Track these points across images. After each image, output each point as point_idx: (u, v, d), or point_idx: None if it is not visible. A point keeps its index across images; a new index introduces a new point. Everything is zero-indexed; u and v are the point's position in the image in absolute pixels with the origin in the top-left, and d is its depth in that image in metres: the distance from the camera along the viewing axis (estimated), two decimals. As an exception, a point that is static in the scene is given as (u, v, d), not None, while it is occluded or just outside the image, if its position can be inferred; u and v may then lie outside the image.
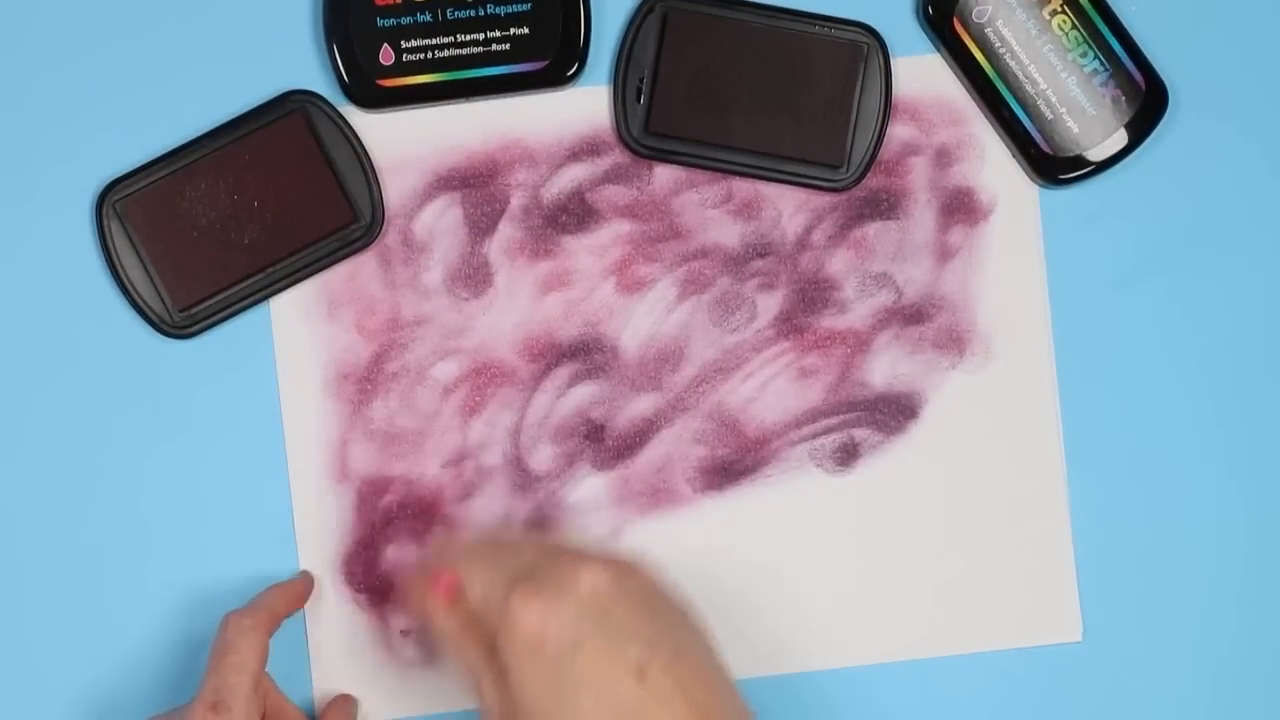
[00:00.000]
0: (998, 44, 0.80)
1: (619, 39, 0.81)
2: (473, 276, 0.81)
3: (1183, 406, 0.81)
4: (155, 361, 0.80)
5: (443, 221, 0.81)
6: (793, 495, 0.81)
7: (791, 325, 0.81)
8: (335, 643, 0.80)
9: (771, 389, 0.81)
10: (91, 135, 0.80)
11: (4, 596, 0.80)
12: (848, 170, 0.80)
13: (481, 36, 0.80)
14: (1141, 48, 0.80)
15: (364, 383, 0.81)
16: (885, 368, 0.81)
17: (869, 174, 0.81)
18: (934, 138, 0.81)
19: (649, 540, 0.81)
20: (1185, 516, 0.81)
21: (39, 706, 0.80)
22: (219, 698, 0.71)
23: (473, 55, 0.80)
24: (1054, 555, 0.81)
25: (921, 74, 0.81)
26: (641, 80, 0.80)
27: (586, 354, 0.81)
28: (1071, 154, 0.80)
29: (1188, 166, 0.81)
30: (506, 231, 0.81)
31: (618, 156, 0.81)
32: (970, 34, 0.80)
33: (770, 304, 0.81)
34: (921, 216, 0.81)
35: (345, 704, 0.79)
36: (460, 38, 0.80)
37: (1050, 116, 0.80)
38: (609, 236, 0.81)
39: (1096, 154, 0.80)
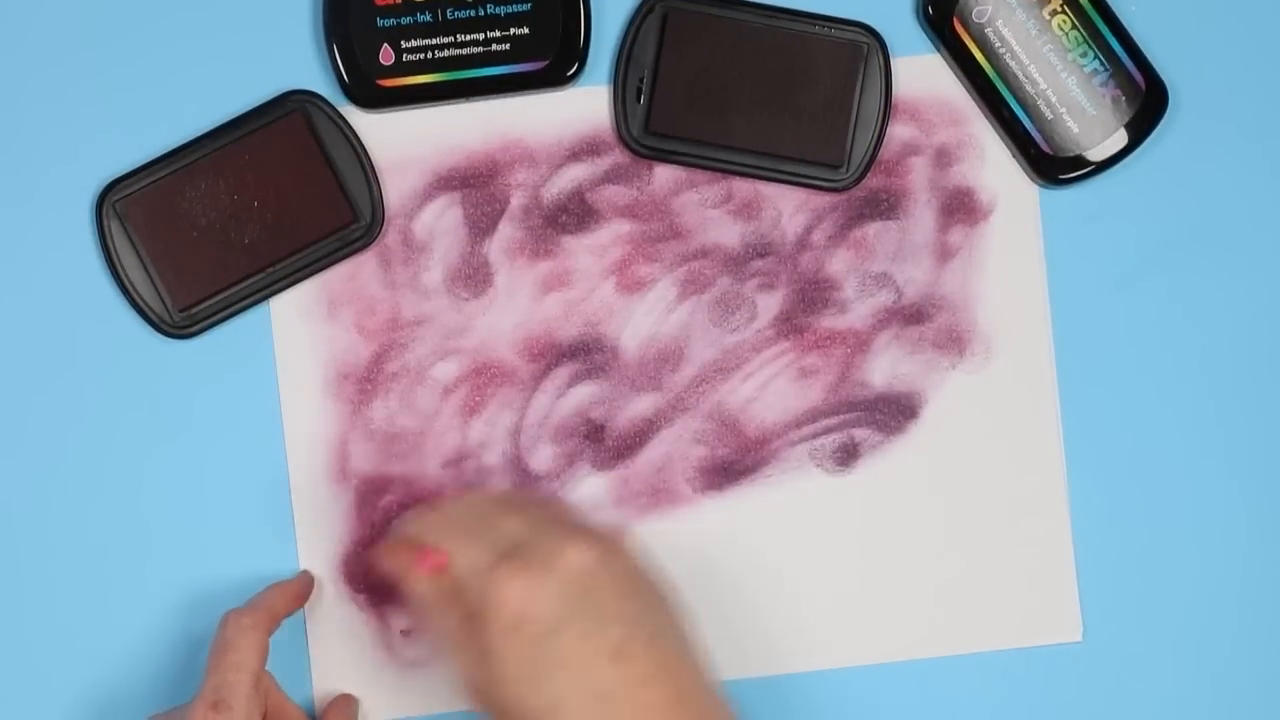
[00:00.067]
0: (998, 44, 0.80)
1: (619, 39, 0.81)
2: (473, 276, 0.81)
3: (1183, 406, 0.81)
4: (155, 361, 0.80)
5: (443, 221, 0.81)
6: (793, 495, 0.81)
7: (791, 325, 0.81)
8: (335, 643, 0.80)
9: (771, 389, 0.81)
10: (91, 135, 0.80)
11: (4, 596, 0.80)
12: (848, 170, 0.80)
13: (481, 36, 0.80)
14: (1141, 48, 0.80)
15: (364, 383, 0.81)
16: (885, 368, 0.81)
17: (869, 174, 0.81)
18: (934, 138, 0.81)
19: (649, 540, 0.81)
20: (1185, 516, 0.81)
21: (39, 706, 0.80)
22: (219, 696, 0.71)
23: (473, 55, 0.80)
24: (1054, 555, 0.81)
25: (921, 74, 0.81)
26: (641, 80, 0.80)
27: (586, 354, 0.81)
28: (1071, 154, 0.80)
29: (1188, 166, 0.81)
30: (506, 231, 0.81)
31: (618, 156, 0.81)
32: (970, 34, 0.80)
33: (770, 304, 0.81)
34: (921, 216, 0.81)
35: (346, 704, 0.79)
36: (460, 38, 0.80)
37: (1050, 116, 0.80)
38: (609, 236, 0.81)
39: (1096, 154, 0.80)
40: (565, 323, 0.81)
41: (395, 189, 0.81)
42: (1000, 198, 0.81)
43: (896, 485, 0.81)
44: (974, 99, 0.81)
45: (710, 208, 0.81)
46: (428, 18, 0.80)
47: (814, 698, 0.81)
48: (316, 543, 0.80)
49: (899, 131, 0.81)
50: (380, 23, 0.79)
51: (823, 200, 0.81)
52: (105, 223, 0.79)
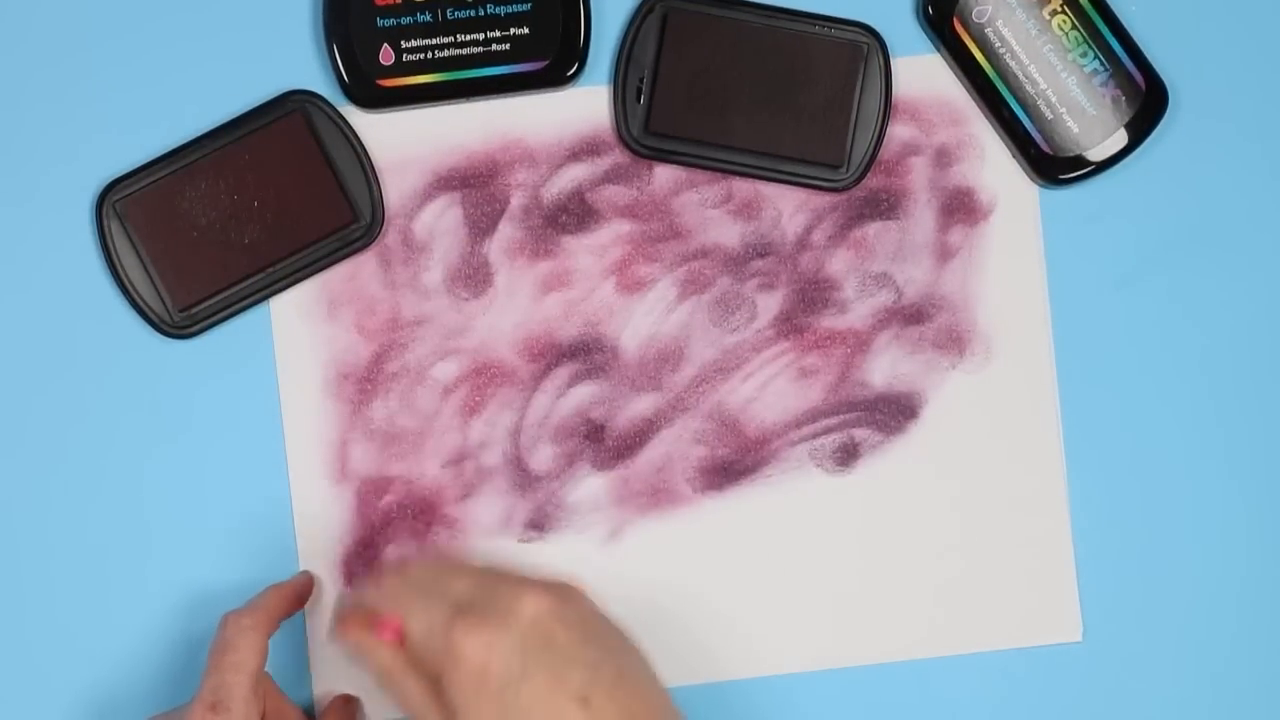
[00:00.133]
0: (998, 44, 0.80)
1: (619, 39, 0.81)
2: (473, 276, 0.81)
3: (1183, 406, 0.81)
4: (155, 361, 0.80)
5: (443, 221, 0.81)
6: (793, 495, 0.81)
7: (791, 325, 0.81)
8: (335, 643, 0.80)
9: (771, 389, 0.81)
10: (91, 135, 0.80)
11: (4, 596, 0.80)
12: (848, 170, 0.80)
13: (481, 36, 0.80)
14: (1141, 48, 0.80)
15: (364, 383, 0.81)
16: (885, 368, 0.81)
17: (869, 174, 0.81)
18: (934, 138, 0.81)
19: (649, 540, 0.81)
20: (1185, 516, 0.81)
21: (39, 706, 0.80)
22: (218, 698, 0.71)
23: (473, 55, 0.80)
24: (1054, 555, 0.81)
25: (921, 74, 0.81)
26: (641, 80, 0.80)
27: (586, 354, 0.81)
28: (1071, 154, 0.80)
29: (1188, 166, 0.81)
30: (506, 231, 0.81)
31: (618, 156, 0.81)
32: (970, 34, 0.80)
33: (770, 304, 0.81)
34: (921, 216, 0.81)
35: (346, 704, 0.79)
36: (460, 38, 0.80)
37: (1050, 116, 0.80)
38: (609, 236, 0.81)
39: (1096, 154, 0.80)
40: (565, 323, 0.81)
41: (395, 189, 0.81)
42: (1000, 198, 0.81)
43: (896, 485, 0.81)
44: (974, 99, 0.81)
45: (710, 208, 0.81)
46: (428, 18, 0.80)
47: (814, 698, 0.81)
48: (316, 543, 0.80)
49: (899, 131, 0.81)
50: (380, 23, 0.79)
51: (823, 200, 0.81)
52: (105, 223, 0.79)
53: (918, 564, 0.81)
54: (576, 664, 0.68)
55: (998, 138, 0.81)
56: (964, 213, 0.81)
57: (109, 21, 0.80)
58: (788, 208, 0.81)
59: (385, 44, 0.80)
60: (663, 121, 0.80)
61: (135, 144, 0.80)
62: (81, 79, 0.80)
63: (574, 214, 0.81)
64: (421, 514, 0.80)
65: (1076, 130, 0.80)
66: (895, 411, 0.81)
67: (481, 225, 0.81)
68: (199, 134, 0.79)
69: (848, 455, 0.81)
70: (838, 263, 0.81)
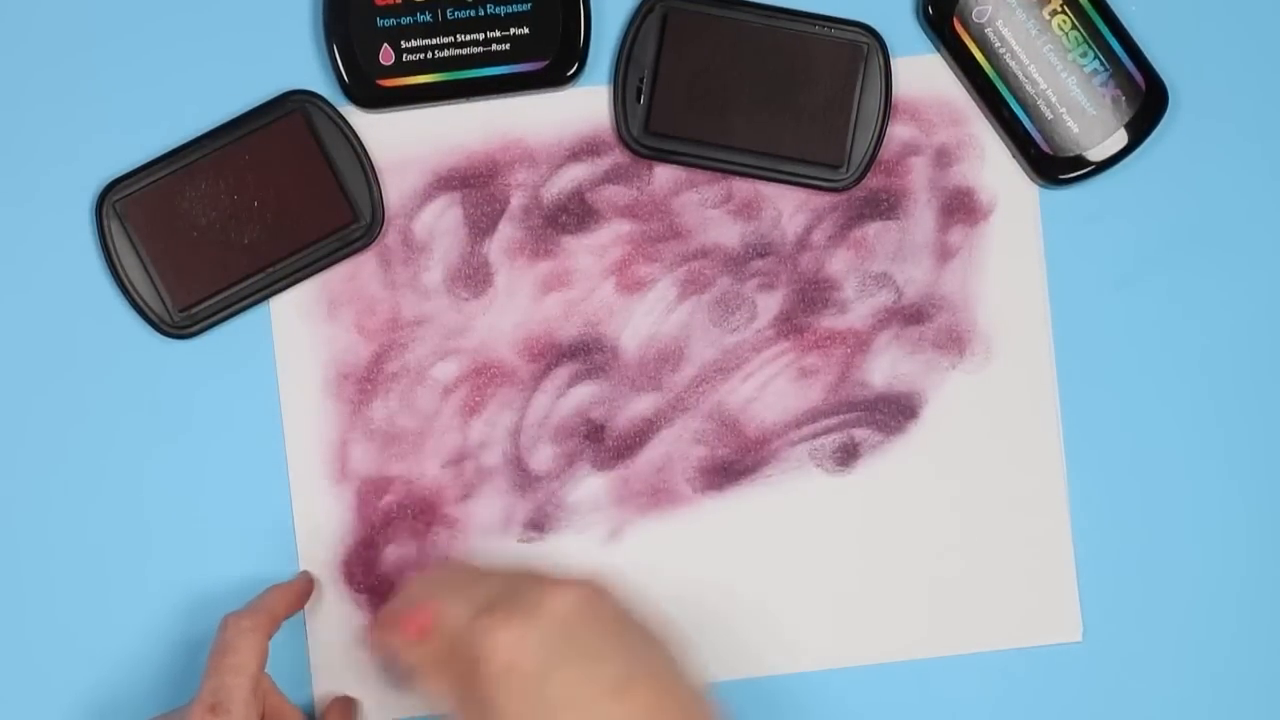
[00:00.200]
0: (998, 44, 0.80)
1: (619, 39, 0.81)
2: (473, 276, 0.81)
3: (1183, 406, 0.81)
4: (155, 361, 0.80)
5: (443, 221, 0.81)
6: (793, 495, 0.81)
7: (791, 325, 0.81)
8: (335, 643, 0.80)
9: (771, 389, 0.81)
10: (91, 135, 0.80)
11: (4, 596, 0.80)
12: (848, 170, 0.80)
13: (481, 36, 0.80)
14: (1141, 48, 0.80)
15: (364, 383, 0.81)
16: (885, 368, 0.81)
17: (869, 174, 0.81)
18: (934, 138, 0.81)
19: (649, 540, 0.81)
20: (1185, 516, 0.81)
21: (39, 707, 0.80)
22: (218, 699, 0.71)
23: (473, 55, 0.80)
24: (1054, 555, 0.81)
25: (921, 74, 0.81)
26: (641, 80, 0.80)
27: (586, 354, 0.81)
28: (1071, 154, 0.80)
29: (1188, 166, 0.81)
30: (506, 231, 0.81)
31: (618, 156, 0.81)
32: (970, 34, 0.80)
33: (770, 304, 0.81)
34: (921, 216, 0.81)
35: (346, 705, 0.79)
36: (460, 38, 0.80)
37: (1050, 116, 0.80)
38: (609, 236, 0.81)
39: (1096, 154, 0.80)
40: (565, 323, 0.81)
41: (395, 189, 0.81)
42: (1000, 198, 0.81)
43: (896, 485, 0.81)
44: (974, 99, 0.81)
45: (710, 208, 0.81)
46: (428, 18, 0.79)
47: (814, 698, 0.81)
48: (316, 543, 0.80)
49: (899, 131, 0.81)
50: (380, 23, 0.79)
51: (823, 200, 0.81)
52: (105, 223, 0.79)
53: (918, 564, 0.81)
54: (606, 659, 0.67)
55: (998, 138, 0.81)
56: (964, 213, 0.81)
57: (109, 21, 0.80)
58: (788, 208, 0.81)
59: (385, 44, 0.80)
60: (663, 121, 0.80)
61: (135, 144, 0.80)
62: (81, 79, 0.80)
63: (574, 214, 0.81)
64: (421, 514, 0.81)
65: (1076, 130, 0.80)
66: (895, 411, 0.81)
67: (481, 225, 0.81)
68: (199, 134, 0.79)
69: (848, 455, 0.81)
70: (838, 263, 0.81)
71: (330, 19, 0.79)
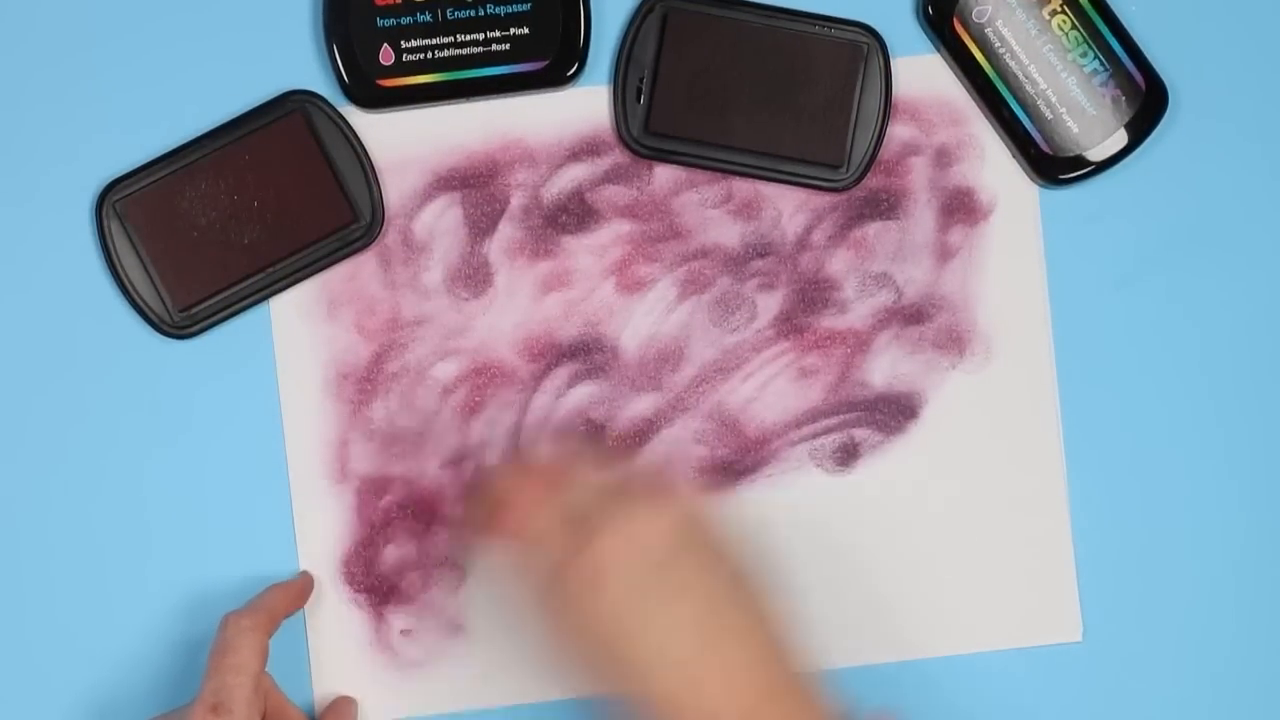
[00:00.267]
0: (998, 44, 0.80)
1: (619, 39, 0.81)
2: (473, 276, 0.81)
3: (1183, 406, 0.81)
4: (155, 361, 0.80)
5: (443, 221, 0.81)
6: (793, 495, 0.81)
7: (791, 325, 0.81)
8: (335, 643, 0.80)
9: (771, 389, 0.81)
10: (91, 135, 0.80)
11: (4, 596, 0.80)
12: (848, 170, 0.80)
13: (481, 36, 0.80)
14: (1141, 48, 0.80)
15: (364, 383, 0.81)
16: (885, 368, 0.81)
17: (869, 174, 0.81)
18: (934, 138, 0.81)
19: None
20: (1185, 516, 0.81)
21: (39, 707, 0.80)
22: (219, 699, 0.71)
23: (473, 55, 0.80)
24: (1054, 555, 0.81)
25: (921, 74, 0.81)
26: (641, 80, 0.80)
27: (586, 354, 0.81)
28: (1071, 154, 0.80)
29: (1188, 166, 0.81)
30: (506, 231, 0.81)
31: (618, 156, 0.81)
32: (970, 34, 0.80)
33: (770, 304, 0.81)
34: (921, 216, 0.81)
35: (346, 705, 0.79)
36: (460, 38, 0.80)
37: (1050, 116, 0.80)
38: (609, 236, 0.81)
39: (1096, 154, 0.80)
40: (565, 323, 0.81)
41: (395, 189, 0.81)
42: (1000, 198, 0.81)
43: (896, 485, 0.81)
44: (974, 99, 0.81)
45: (710, 208, 0.81)
46: (428, 18, 0.80)
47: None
48: (316, 543, 0.80)
49: (899, 131, 0.81)
50: (380, 23, 0.79)
51: (823, 200, 0.81)
52: (105, 223, 0.79)
53: (917, 564, 0.81)
54: (723, 555, 0.69)
55: (998, 138, 0.81)
56: (964, 213, 0.81)
57: (109, 21, 0.80)
58: (788, 208, 0.81)
59: (385, 44, 0.80)
60: (663, 121, 0.80)
61: (135, 144, 0.80)
62: (81, 79, 0.80)
63: (574, 214, 0.81)
64: (421, 514, 0.81)
65: (1076, 130, 0.80)
66: (895, 411, 0.81)
67: (481, 225, 0.81)
68: (199, 134, 0.79)
69: (848, 455, 0.81)
70: (838, 263, 0.81)
71: (330, 19, 0.79)
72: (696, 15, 0.80)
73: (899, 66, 0.81)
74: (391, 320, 0.81)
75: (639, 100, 0.80)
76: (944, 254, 0.81)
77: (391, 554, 0.80)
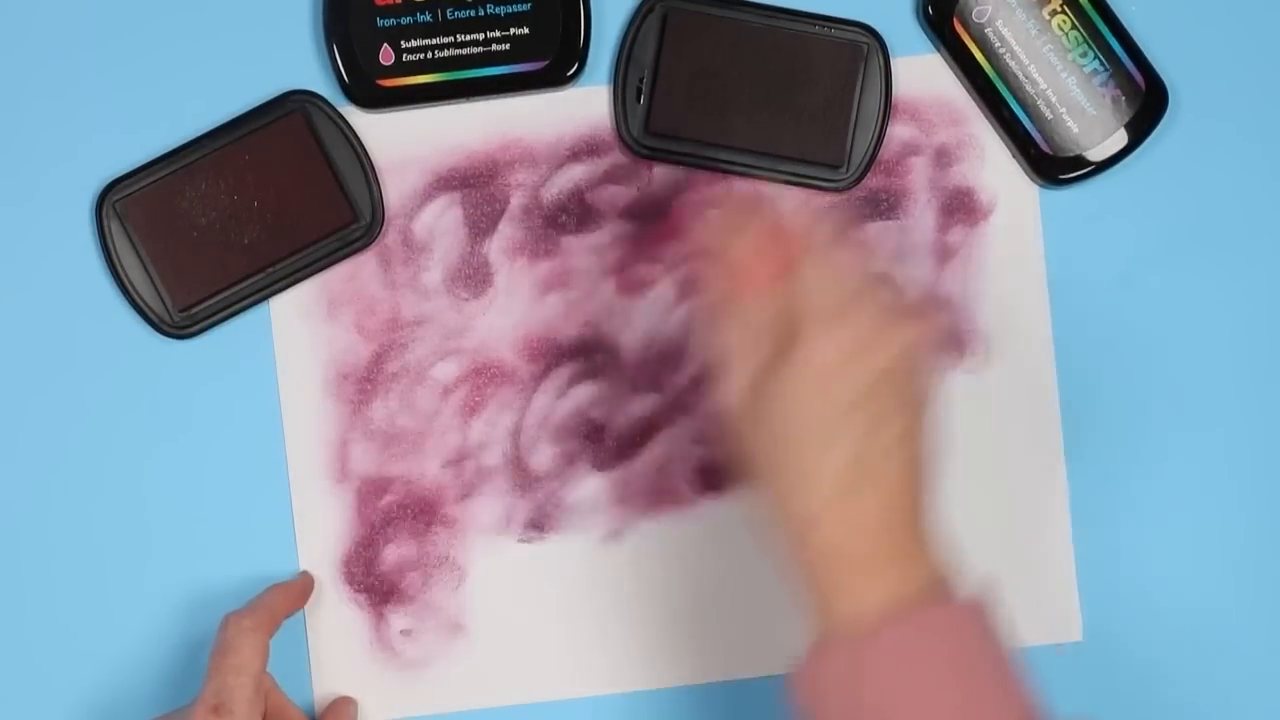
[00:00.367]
0: (998, 44, 0.80)
1: (619, 39, 0.81)
2: (473, 276, 0.81)
3: (1183, 406, 0.81)
4: (155, 361, 0.80)
5: (443, 221, 0.81)
6: (793, 495, 0.81)
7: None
8: (335, 643, 0.80)
9: (771, 389, 0.81)
10: (91, 135, 0.80)
11: (4, 596, 0.80)
12: (848, 170, 0.80)
13: (481, 36, 0.80)
14: (1141, 48, 0.80)
15: (364, 383, 0.81)
16: (885, 368, 0.81)
17: (869, 174, 0.81)
18: (934, 138, 0.81)
19: (649, 540, 0.81)
20: (1185, 516, 0.81)
21: (39, 708, 0.80)
22: (220, 700, 0.71)
23: (473, 55, 0.80)
24: (1054, 555, 0.81)
25: (921, 74, 0.81)
26: (641, 80, 0.80)
27: (586, 354, 0.81)
28: (1071, 154, 0.80)
29: (1188, 166, 0.81)
30: (506, 231, 0.81)
31: (618, 156, 0.81)
32: (970, 34, 0.80)
33: (770, 304, 0.81)
34: (921, 216, 0.81)
35: (346, 705, 0.79)
36: (460, 38, 0.80)
37: (1050, 116, 0.80)
38: (609, 236, 0.81)
39: (1096, 154, 0.80)
40: (565, 323, 0.81)
41: (395, 189, 0.81)
42: (1000, 198, 0.81)
43: (896, 485, 0.81)
44: (974, 99, 0.81)
45: (710, 208, 0.81)
46: (428, 18, 0.79)
47: (814, 698, 0.81)
48: (316, 543, 0.80)
49: (899, 131, 0.81)
50: (380, 23, 0.79)
51: (823, 200, 0.81)
52: (105, 223, 0.79)
53: (918, 564, 0.81)
54: (923, 405, 0.67)
55: (998, 138, 0.81)
56: (964, 213, 0.81)
57: (109, 21, 0.80)
58: (788, 208, 0.81)
59: (385, 44, 0.80)
60: (663, 121, 0.80)
61: (135, 144, 0.80)
62: (81, 79, 0.80)
63: (574, 214, 0.81)
64: (421, 514, 0.81)
65: (1076, 130, 0.80)
66: (895, 411, 0.81)
67: (481, 225, 0.81)
68: (199, 134, 0.79)
69: (848, 455, 0.81)
70: (838, 263, 0.81)
71: (330, 19, 0.79)
72: (696, 15, 0.80)
73: (899, 66, 0.81)
74: (391, 320, 0.81)
75: (639, 100, 0.80)
76: (944, 254, 0.81)
77: (391, 554, 0.80)
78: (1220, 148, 0.81)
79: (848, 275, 0.67)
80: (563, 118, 0.81)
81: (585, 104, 0.81)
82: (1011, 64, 0.80)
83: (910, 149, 0.81)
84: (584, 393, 0.81)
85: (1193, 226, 0.81)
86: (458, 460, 0.81)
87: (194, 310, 0.79)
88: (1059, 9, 0.80)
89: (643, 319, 0.81)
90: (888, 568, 0.65)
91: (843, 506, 0.65)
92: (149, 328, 0.79)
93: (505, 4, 0.80)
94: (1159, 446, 0.81)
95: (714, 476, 0.81)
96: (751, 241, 0.68)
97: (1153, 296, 0.81)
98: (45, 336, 0.80)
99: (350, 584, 0.80)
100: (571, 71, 0.80)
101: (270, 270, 0.79)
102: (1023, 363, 0.81)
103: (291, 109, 0.79)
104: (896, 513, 0.66)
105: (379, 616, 0.81)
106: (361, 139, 0.80)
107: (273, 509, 0.80)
